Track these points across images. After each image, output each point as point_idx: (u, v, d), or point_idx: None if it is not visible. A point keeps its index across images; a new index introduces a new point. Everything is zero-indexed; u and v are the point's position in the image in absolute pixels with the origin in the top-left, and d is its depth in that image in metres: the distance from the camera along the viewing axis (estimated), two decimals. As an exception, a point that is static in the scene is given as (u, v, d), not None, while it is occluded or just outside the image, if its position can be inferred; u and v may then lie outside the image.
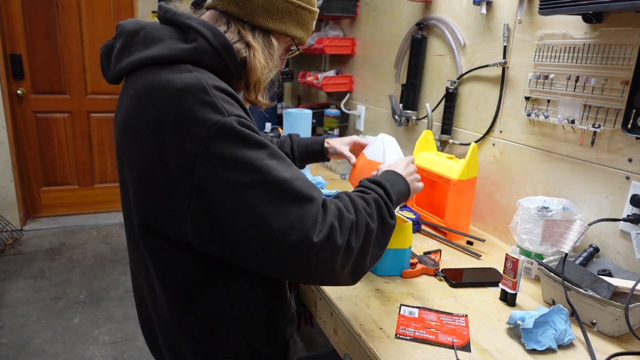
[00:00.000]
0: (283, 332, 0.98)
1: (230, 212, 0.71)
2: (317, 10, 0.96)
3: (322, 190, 1.73)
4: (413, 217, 1.45)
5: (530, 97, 1.29)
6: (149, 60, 0.79)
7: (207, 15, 0.89)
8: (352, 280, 0.81)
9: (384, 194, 0.88)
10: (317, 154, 1.32)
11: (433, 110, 1.73)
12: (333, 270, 0.75)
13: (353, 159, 1.24)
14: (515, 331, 0.93)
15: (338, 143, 1.30)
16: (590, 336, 0.92)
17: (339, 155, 1.28)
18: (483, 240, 1.38)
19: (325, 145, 1.31)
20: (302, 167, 1.38)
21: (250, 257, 0.75)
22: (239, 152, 0.71)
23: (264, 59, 0.87)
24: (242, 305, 0.89)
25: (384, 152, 1.11)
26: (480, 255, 1.30)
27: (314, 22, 0.97)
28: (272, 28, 0.88)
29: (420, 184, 1.04)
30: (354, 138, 1.31)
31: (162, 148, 0.73)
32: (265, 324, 0.93)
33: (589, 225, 1.03)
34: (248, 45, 0.85)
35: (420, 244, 1.37)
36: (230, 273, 0.85)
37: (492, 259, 1.30)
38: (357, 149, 1.29)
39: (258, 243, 0.72)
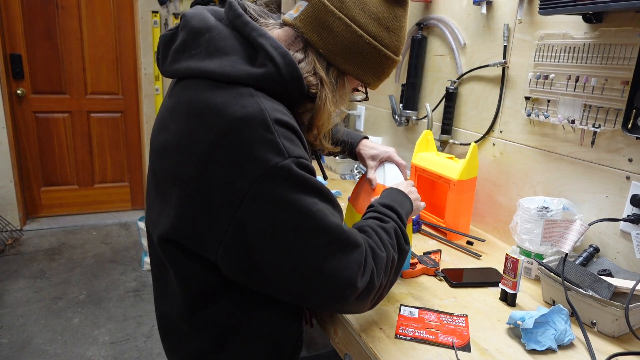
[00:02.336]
0: (290, 357, 0.97)
1: (272, 250, 0.70)
2: (400, 59, 0.88)
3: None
4: (412, 217, 1.45)
5: (530, 97, 1.29)
6: (208, 74, 0.72)
7: (282, 33, 0.81)
8: (372, 307, 0.84)
9: (399, 221, 0.88)
10: (346, 152, 1.24)
11: (433, 110, 1.73)
12: (365, 305, 0.79)
13: (374, 183, 1.12)
14: (516, 331, 0.93)
15: (370, 159, 1.17)
16: (590, 336, 0.92)
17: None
18: (483, 241, 1.38)
19: (357, 151, 1.21)
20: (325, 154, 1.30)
21: (283, 292, 0.75)
22: (294, 197, 0.68)
23: (333, 101, 0.81)
24: (251, 322, 0.87)
25: (385, 174, 1.12)
26: (480, 255, 1.30)
27: (393, 71, 0.89)
28: (349, 70, 0.82)
29: (422, 204, 1.05)
30: (389, 154, 1.16)
31: (208, 174, 0.69)
32: (271, 346, 0.91)
33: (589, 225, 1.03)
34: (321, 82, 0.79)
35: (420, 244, 1.37)
36: (249, 290, 0.83)
37: (492, 259, 1.30)
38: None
39: (299, 283, 0.72)
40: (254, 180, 0.66)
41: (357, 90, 0.91)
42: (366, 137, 1.24)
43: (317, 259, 0.71)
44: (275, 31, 0.82)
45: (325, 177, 1.13)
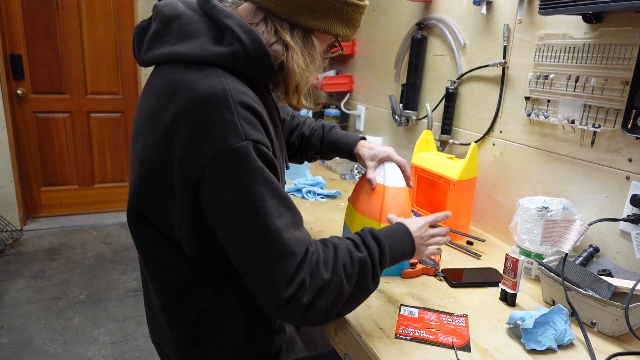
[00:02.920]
0: (269, 342, 0.97)
1: (222, 230, 0.74)
2: (366, 3, 0.86)
3: (322, 190, 1.73)
4: (412, 217, 1.44)
5: (530, 97, 1.29)
6: (179, 57, 0.75)
7: (244, 9, 0.82)
8: (308, 324, 0.80)
9: (377, 256, 0.82)
10: (345, 154, 1.23)
11: (433, 110, 1.73)
12: (297, 321, 0.77)
13: (373, 183, 1.11)
14: (515, 331, 0.93)
15: (369, 159, 1.16)
16: (590, 336, 0.92)
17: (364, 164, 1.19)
18: (483, 240, 1.38)
19: (356, 152, 1.19)
20: (324, 158, 1.30)
21: (237, 266, 0.76)
22: (245, 183, 0.70)
23: (303, 62, 0.81)
24: (228, 309, 0.88)
25: (385, 175, 1.11)
26: (480, 255, 1.30)
27: (362, 17, 0.87)
28: (314, 27, 0.81)
29: (431, 249, 0.97)
30: (388, 153, 1.15)
31: (170, 149, 0.73)
32: (247, 331, 0.92)
33: (589, 225, 1.03)
34: (286, 47, 0.79)
35: (420, 244, 1.37)
36: (220, 276, 0.85)
37: (492, 259, 1.30)
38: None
39: (241, 270, 0.75)
40: (210, 159, 0.69)
41: (334, 47, 0.90)
42: (364, 138, 1.23)
43: (249, 257, 0.73)
44: (237, 10, 0.82)
45: (287, 167, 1.13)
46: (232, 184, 0.70)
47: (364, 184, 1.15)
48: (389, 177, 1.12)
